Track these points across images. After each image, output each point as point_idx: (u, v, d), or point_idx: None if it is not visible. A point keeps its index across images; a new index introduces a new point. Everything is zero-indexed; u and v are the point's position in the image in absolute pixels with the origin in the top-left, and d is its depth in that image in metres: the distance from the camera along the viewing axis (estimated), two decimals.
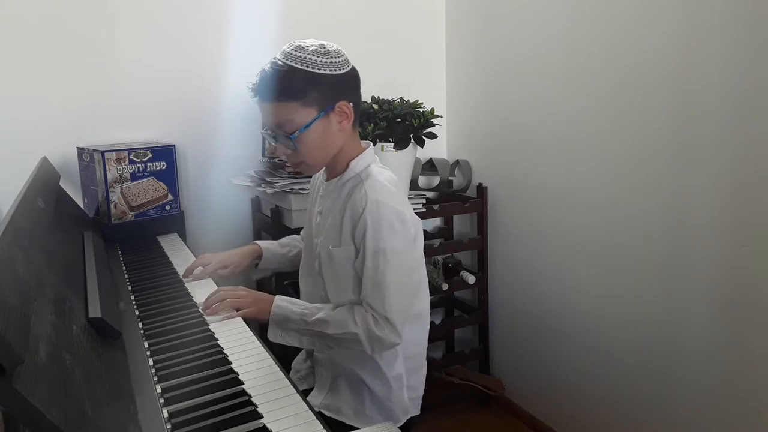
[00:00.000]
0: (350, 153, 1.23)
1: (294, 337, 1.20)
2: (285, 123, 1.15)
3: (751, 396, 1.44)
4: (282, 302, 1.21)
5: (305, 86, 1.12)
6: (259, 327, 1.25)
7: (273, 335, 1.20)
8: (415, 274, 1.25)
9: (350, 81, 1.18)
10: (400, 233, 1.16)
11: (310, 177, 1.83)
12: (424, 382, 1.35)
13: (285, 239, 1.54)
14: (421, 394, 1.34)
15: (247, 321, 1.17)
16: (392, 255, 1.14)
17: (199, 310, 1.19)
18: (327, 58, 1.14)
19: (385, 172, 1.24)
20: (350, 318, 1.15)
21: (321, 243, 1.25)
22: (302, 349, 1.43)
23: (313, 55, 1.13)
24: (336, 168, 1.25)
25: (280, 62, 1.14)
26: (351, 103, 1.18)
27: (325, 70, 1.13)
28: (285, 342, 1.21)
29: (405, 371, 1.28)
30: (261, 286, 1.92)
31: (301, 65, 1.12)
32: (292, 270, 1.54)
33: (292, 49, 1.14)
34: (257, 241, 1.50)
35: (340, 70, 1.15)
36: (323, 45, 1.15)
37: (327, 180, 1.28)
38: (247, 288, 1.26)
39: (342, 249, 1.19)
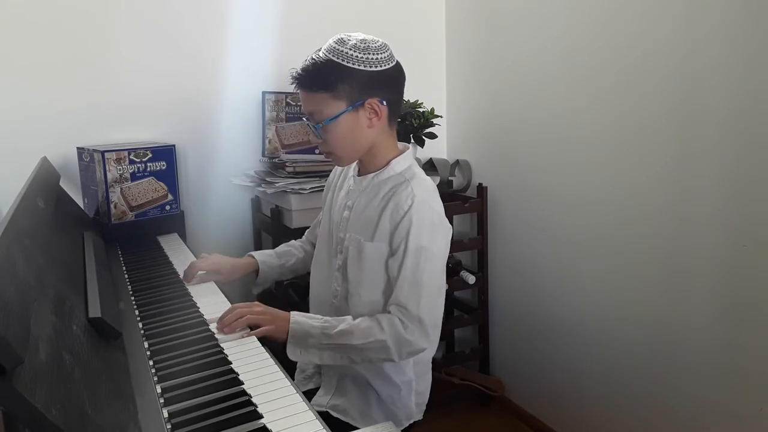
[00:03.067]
0: (387, 151, 1.23)
1: (314, 354, 1.15)
2: (315, 112, 1.17)
3: (752, 395, 1.44)
4: (299, 317, 1.16)
5: (336, 79, 1.13)
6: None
7: (292, 353, 1.15)
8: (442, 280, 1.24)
9: (387, 79, 1.17)
10: (440, 235, 1.18)
11: (311, 176, 1.84)
12: (430, 386, 1.35)
13: (281, 248, 1.51)
14: (427, 400, 1.34)
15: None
16: (432, 256, 1.14)
17: (211, 329, 1.11)
18: (365, 54, 1.14)
19: (425, 175, 1.26)
20: (376, 326, 1.13)
21: (350, 237, 1.23)
22: None
23: (351, 49, 1.13)
24: (371, 164, 1.24)
25: (320, 54, 1.15)
26: (384, 102, 1.17)
27: (359, 65, 1.13)
28: (305, 359, 1.17)
29: (414, 376, 1.27)
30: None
31: (337, 58, 1.13)
32: (292, 277, 1.52)
33: (334, 42, 1.15)
34: (253, 253, 1.46)
35: (376, 67, 1.15)
36: (365, 41, 1.15)
37: (360, 175, 1.27)
38: (262, 304, 1.18)
39: (374, 245, 1.18)
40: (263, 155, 1.99)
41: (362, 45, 1.14)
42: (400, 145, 1.28)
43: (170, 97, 1.90)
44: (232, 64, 1.97)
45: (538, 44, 1.93)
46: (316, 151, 1.97)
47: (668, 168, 1.56)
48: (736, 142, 1.40)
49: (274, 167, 1.95)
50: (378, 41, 1.17)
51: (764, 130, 1.34)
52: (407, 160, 1.24)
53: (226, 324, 1.10)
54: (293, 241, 1.54)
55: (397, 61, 1.20)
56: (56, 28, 1.73)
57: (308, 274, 1.42)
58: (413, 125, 1.87)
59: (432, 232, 1.16)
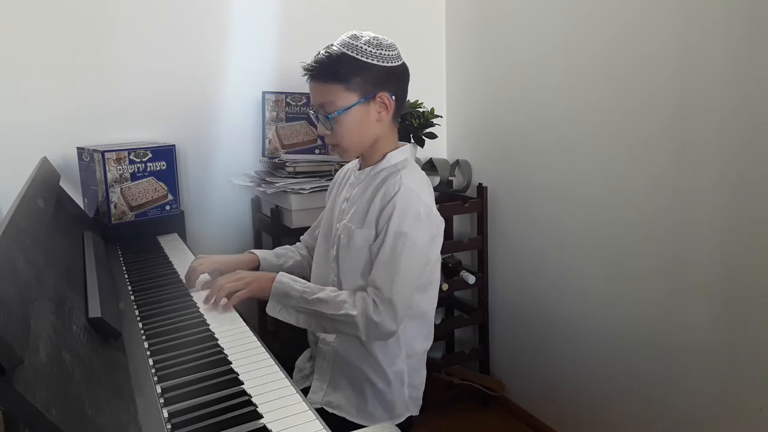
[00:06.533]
0: (387, 146, 1.29)
1: (291, 314, 1.22)
2: (327, 104, 1.21)
3: (752, 395, 1.44)
4: (284, 278, 1.23)
5: (351, 71, 1.18)
6: (259, 322, 1.25)
7: (271, 309, 1.22)
8: (427, 273, 1.27)
9: (397, 75, 1.23)
10: (425, 226, 1.20)
11: (311, 176, 1.84)
12: (425, 382, 1.36)
13: (279, 249, 1.53)
14: (422, 394, 1.34)
15: (246, 319, 1.17)
16: (411, 243, 1.17)
17: (201, 309, 1.19)
18: (378, 50, 1.20)
19: (420, 170, 1.30)
20: (350, 301, 1.17)
21: (343, 226, 1.27)
22: (306, 349, 1.43)
23: (365, 44, 1.20)
24: (371, 158, 1.29)
25: (334, 47, 1.21)
26: (393, 97, 1.23)
27: (373, 60, 1.19)
28: (282, 317, 1.22)
29: (407, 369, 1.28)
30: None
31: (352, 52, 1.19)
32: None
33: (348, 37, 1.21)
34: (254, 251, 1.48)
35: (388, 62, 1.21)
36: (377, 37, 1.22)
37: (360, 169, 1.32)
38: (244, 271, 1.29)
39: (363, 231, 1.22)
40: (263, 155, 1.99)
41: (375, 41, 1.21)
42: (400, 142, 1.32)
43: (170, 97, 1.90)
44: (232, 65, 1.97)
45: (538, 44, 1.93)
46: (316, 151, 1.97)
47: (668, 168, 1.56)
48: (736, 142, 1.40)
49: (274, 167, 1.95)
50: (388, 40, 1.24)
51: (764, 129, 1.34)
52: (403, 153, 1.29)
53: (209, 299, 1.20)
54: (288, 246, 1.55)
55: (404, 61, 1.26)
56: (56, 29, 1.73)
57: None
58: (413, 125, 1.87)
59: (415, 220, 1.18)
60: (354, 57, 1.18)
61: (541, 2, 1.89)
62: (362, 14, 2.16)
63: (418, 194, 1.19)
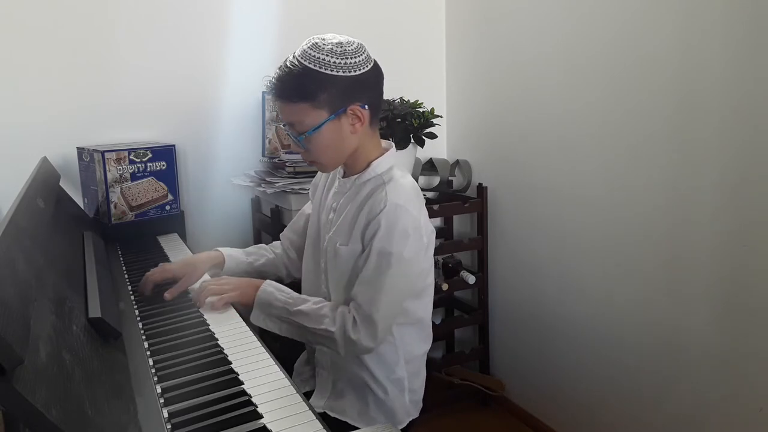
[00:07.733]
0: (370, 152, 1.21)
1: (275, 323, 1.21)
2: (296, 123, 1.14)
3: (752, 395, 1.44)
4: (269, 287, 1.22)
5: (316, 88, 1.10)
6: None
7: (255, 318, 1.22)
8: (419, 282, 1.24)
9: (367, 82, 1.14)
10: (412, 241, 1.14)
11: (311, 176, 1.84)
12: (424, 384, 1.35)
13: (251, 248, 1.49)
14: (422, 397, 1.34)
15: (246, 319, 1.17)
16: (396, 261, 1.12)
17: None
18: (342, 59, 1.10)
19: (407, 175, 1.23)
20: (330, 315, 1.15)
21: (329, 239, 1.23)
22: (303, 350, 1.43)
23: (328, 55, 1.09)
24: (354, 166, 1.23)
25: (295, 61, 1.11)
26: (366, 106, 1.14)
27: (338, 71, 1.10)
28: (266, 327, 1.22)
29: (406, 375, 1.27)
30: None
31: (314, 66, 1.09)
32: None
33: (309, 47, 1.11)
34: (220, 248, 1.43)
35: (355, 71, 1.11)
36: (341, 44, 1.11)
37: (344, 177, 1.26)
38: (230, 277, 1.28)
39: (349, 248, 1.18)
40: (263, 155, 1.99)
41: (338, 49, 1.10)
42: (384, 143, 1.26)
43: (170, 97, 1.90)
44: (232, 65, 1.97)
45: (538, 44, 1.93)
46: None
47: (668, 168, 1.56)
48: (736, 142, 1.40)
49: (274, 167, 1.95)
50: (354, 43, 1.13)
51: (764, 129, 1.34)
52: (388, 161, 1.22)
53: (195, 299, 1.21)
54: (262, 244, 1.53)
55: (374, 61, 1.16)
56: (56, 29, 1.73)
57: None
58: (413, 125, 1.87)
59: (402, 237, 1.12)
60: (317, 71, 1.08)
61: (541, 2, 1.89)
62: (362, 14, 2.16)
63: (405, 209, 1.13)
